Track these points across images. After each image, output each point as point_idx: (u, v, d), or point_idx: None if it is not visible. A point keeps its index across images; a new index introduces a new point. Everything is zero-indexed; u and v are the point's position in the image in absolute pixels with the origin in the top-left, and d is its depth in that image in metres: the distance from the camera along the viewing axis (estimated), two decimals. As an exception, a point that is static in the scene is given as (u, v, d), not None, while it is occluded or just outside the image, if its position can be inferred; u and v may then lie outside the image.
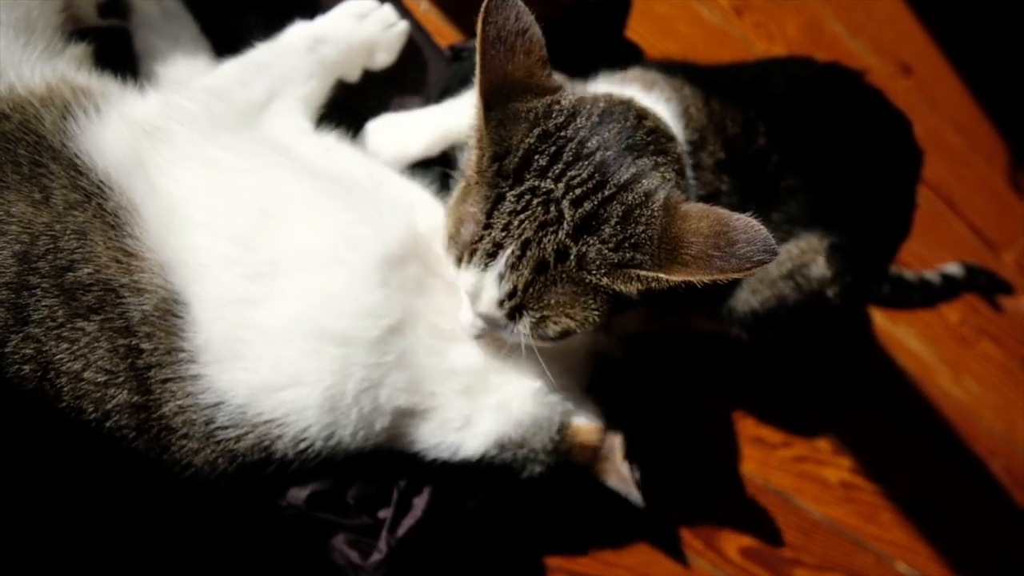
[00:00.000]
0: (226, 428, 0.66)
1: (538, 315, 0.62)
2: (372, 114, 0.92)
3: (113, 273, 0.63)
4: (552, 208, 0.60)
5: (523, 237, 0.60)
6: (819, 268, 0.90)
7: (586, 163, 0.61)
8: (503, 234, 0.61)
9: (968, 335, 1.54)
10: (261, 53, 0.80)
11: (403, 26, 0.92)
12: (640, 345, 1.12)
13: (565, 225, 0.60)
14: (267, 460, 0.68)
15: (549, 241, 0.60)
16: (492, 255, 0.61)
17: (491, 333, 0.69)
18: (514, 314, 0.63)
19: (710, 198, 0.78)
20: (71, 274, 0.62)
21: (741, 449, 1.21)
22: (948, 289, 1.44)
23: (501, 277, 0.61)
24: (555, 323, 0.63)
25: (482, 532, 0.94)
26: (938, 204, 1.59)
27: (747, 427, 1.23)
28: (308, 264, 0.67)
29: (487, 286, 0.63)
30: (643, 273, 0.59)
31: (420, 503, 0.77)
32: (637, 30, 1.28)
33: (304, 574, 0.80)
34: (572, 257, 0.60)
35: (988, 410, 1.52)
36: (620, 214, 0.60)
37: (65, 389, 0.63)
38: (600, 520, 1.06)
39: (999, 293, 1.55)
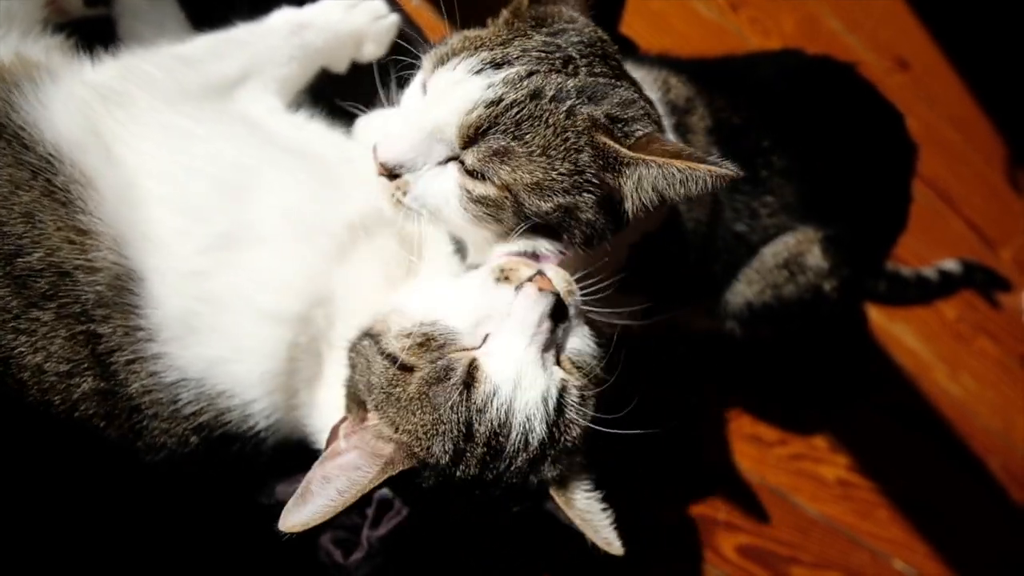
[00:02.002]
0: (189, 403, 0.65)
1: (498, 145, 0.59)
2: (361, 108, 0.91)
3: (66, 255, 0.61)
4: (570, 65, 0.62)
5: (533, 68, 0.60)
6: (815, 258, 0.90)
7: (605, 62, 0.65)
8: (518, 55, 0.61)
9: (965, 332, 1.53)
10: (241, 31, 0.79)
11: (393, 19, 0.91)
12: (635, 344, 1.11)
13: (574, 81, 0.61)
14: (226, 436, 0.67)
15: (554, 81, 0.60)
16: (497, 66, 0.60)
17: (403, 170, 0.63)
18: (476, 137, 0.59)
19: None
20: (20, 260, 0.60)
21: (738, 447, 1.20)
22: (945, 286, 1.43)
23: (491, 87, 0.59)
24: (505, 166, 0.59)
25: (476, 534, 0.93)
26: (935, 201, 1.58)
27: (744, 425, 1.23)
28: (256, 238, 0.66)
29: (469, 88, 0.60)
30: (612, 145, 0.60)
31: (403, 503, 0.76)
32: (633, 26, 1.27)
33: (292, 573, 0.79)
34: (566, 104, 0.60)
35: (985, 407, 1.51)
36: (621, 100, 0.63)
37: (29, 383, 0.61)
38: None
39: (997, 290, 1.55)
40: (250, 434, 0.68)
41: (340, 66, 0.88)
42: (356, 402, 0.65)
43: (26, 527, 0.65)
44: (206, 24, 0.81)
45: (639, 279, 0.83)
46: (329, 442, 0.64)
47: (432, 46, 0.68)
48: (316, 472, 0.60)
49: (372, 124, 0.92)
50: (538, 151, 0.60)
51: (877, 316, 1.41)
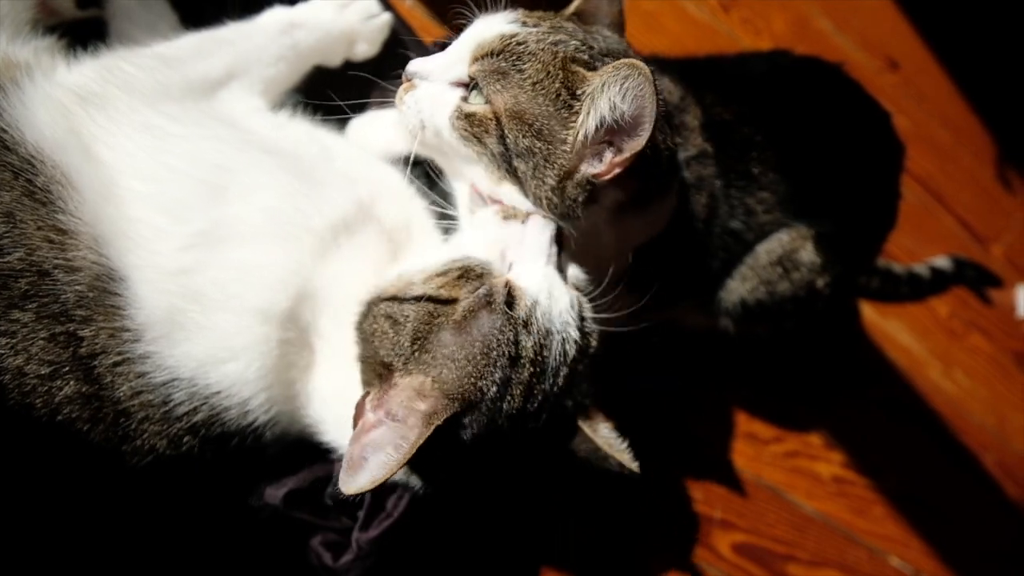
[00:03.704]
0: (182, 403, 0.65)
1: (498, 66, 0.69)
2: (353, 107, 0.91)
3: (45, 254, 0.61)
4: (586, 45, 0.72)
5: (550, 33, 0.71)
6: (808, 254, 0.91)
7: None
8: (548, 26, 0.72)
9: (958, 328, 1.54)
10: (228, 30, 0.79)
11: (385, 17, 0.91)
12: (631, 342, 1.11)
13: (575, 43, 0.71)
14: (223, 435, 0.67)
15: (563, 38, 0.71)
16: (522, 24, 0.73)
17: (418, 78, 0.73)
18: (489, 54, 0.70)
19: (698, 158, 0.84)
20: (0, 260, 0.60)
21: (733, 445, 1.21)
22: (937, 282, 1.44)
23: (511, 27, 0.72)
24: (498, 84, 0.69)
25: (475, 539, 0.93)
26: (926, 197, 1.59)
27: (739, 422, 1.23)
28: (238, 236, 0.67)
29: (496, 27, 0.72)
30: (578, 69, 0.68)
31: (395, 504, 0.75)
32: (625, 26, 1.27)
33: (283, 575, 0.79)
34: (559, 47, 0.70)
35: (979, 403, 1.52)
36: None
37: (11, 387, 0.61)
38: (592, 518, 1.05)
39: (988, 286, 1.55)
40: (250, 429, 0.68)
41: (333, 62, 0.88)
42: (377, 373, 0.65)
43: (9, 532, 0.64)
44: (198, 26, 0.81)
45: (640, 278, 0.84)
46: (356, 420, 0.63)
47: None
48: (355, 448, 0.60)
49: (366, 124, 0.92)
50: (529, 81, 0.69)
51: (870, 313, 1.42)
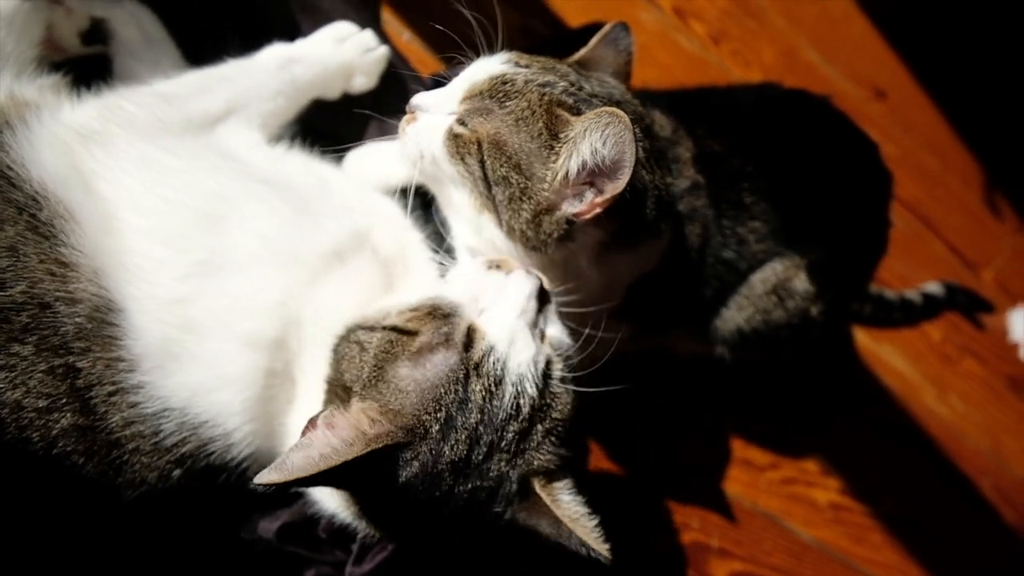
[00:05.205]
0: (172, 434, 0.65)
1: (483, 105, 0.73)
2: (351, 139, 0.93)
3: (47, 287, 0.62)
4: (575, 86, 0.75)
5: (540, 74, 0.75)
6: (802, 283, 0.93)
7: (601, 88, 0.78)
8: (540, 68, 0.76)
9: (951, 353, 1.55)
10: (228, 67, 0.81)
11: (383, 51, 0.93)
12: (625, 367, 1.12)
13: (563, 85, 0.74)
14: (209, 468, 0.67)
15: (551, 80, 0.74)
16: (516, 64, 0.77)
17: (419, 111, 0.77)
18: (477, 95, 0.74)
19: (691, 189, 0.86)
20: (2, 294, 0.61)
21: (729, 471, 1.20)
22: (929, 308, 1.45)
23: (502, 69, 0.76)
24: (482, 118, 0.72)
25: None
26: (916, 224, 1.61)
27: (734, 449, 1.23)
28: (233, 265, 0.67)
29: (491, 65, 0.77)
30: (563, 113, 0.71)
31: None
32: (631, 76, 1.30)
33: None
34: (546, 90, 0.73)
35: (974, 427, 1.52)
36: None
37: (8, 421, 0.61)
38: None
39: (980, 311, 1.57)
40: (233, 464, 0.68)
41: (332, 95, 0.90)
42: (337, 396, 0.65)
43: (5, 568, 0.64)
44: (201, 61, 0.83)
45: (632, 306, 0.85)
46: (304, 433, 0.61)
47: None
48: (290, 454, 0.58)
49: (364, 156, 0.94)
50: (512, 116, 0.72)
51: (863, 338, 1.43)
